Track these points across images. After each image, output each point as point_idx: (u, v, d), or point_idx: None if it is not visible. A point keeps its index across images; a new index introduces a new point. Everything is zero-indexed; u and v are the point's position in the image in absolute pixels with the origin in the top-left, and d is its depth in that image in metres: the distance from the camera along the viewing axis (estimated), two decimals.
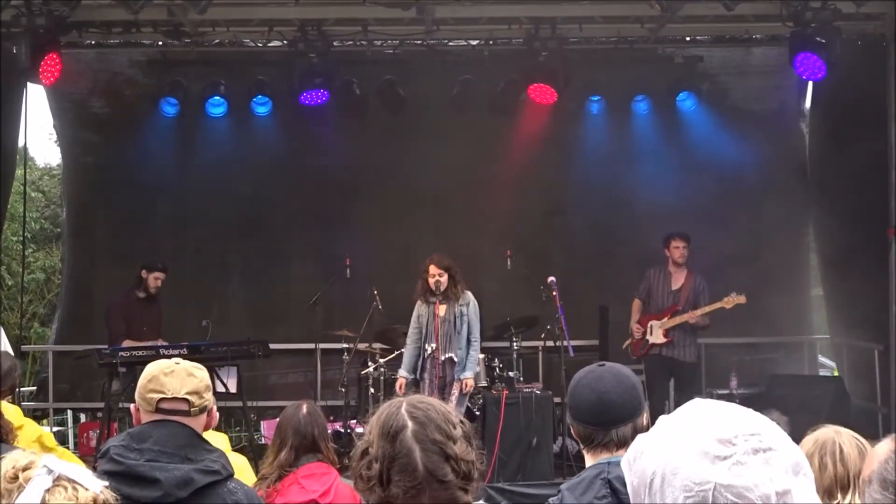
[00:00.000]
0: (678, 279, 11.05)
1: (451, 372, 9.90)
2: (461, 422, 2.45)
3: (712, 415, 1.82)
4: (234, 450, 6.88)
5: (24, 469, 2.33)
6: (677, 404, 11.42)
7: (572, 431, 3.53)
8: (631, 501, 1.87)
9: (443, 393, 9.83)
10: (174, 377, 3.66)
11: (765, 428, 1.78)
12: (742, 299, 10.65)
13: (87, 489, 2.29)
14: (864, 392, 11.88)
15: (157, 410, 3.63)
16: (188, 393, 3.65)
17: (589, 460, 3.44)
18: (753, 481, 1.69)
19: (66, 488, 2.28)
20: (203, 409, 3.70)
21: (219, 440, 5.91)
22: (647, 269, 11.29)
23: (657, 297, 11.14)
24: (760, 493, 1.69)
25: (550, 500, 3.35)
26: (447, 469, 2.34)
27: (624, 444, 3.38)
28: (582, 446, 3.49)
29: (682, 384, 11.17)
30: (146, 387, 3.67)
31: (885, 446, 2.59)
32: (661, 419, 1.88)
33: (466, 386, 9.87)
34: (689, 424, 1.82)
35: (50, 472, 2.30)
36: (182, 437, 3.59)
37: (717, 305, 10.76)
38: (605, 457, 3.38)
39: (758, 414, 1.82)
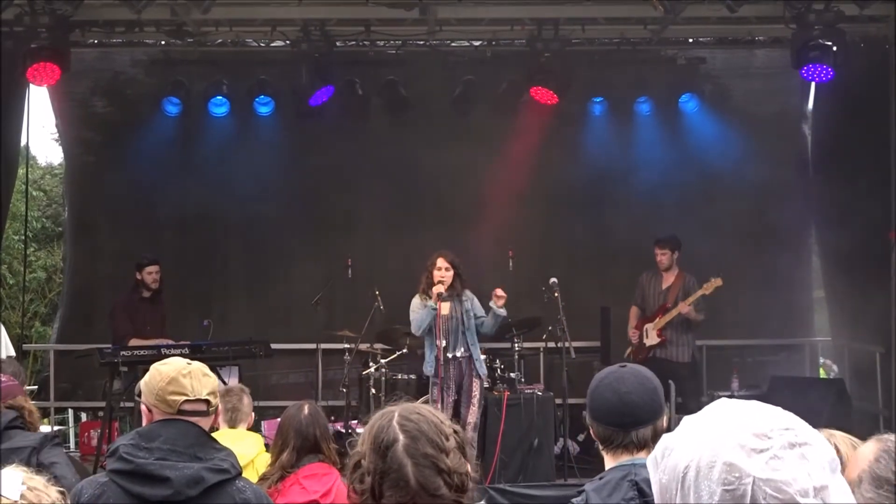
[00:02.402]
0: (668, 279, 11.18)
1: (460, 370, 9.85)
2: (455, 432, 2.43)
3: (743, 410, 1.80)
4: None
5: None
6: (678, 406, 11.46)
7: (591, 432, 3.50)
8: (657, 500, 1.84)
9: (459, 392, 9.80)
10: (193, 378, 3.69)
11: (797, 423, 1.76)
12: (719, 281, 10.67)
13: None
14: (866, 395, 11.87)
15: (179, 412, 3.64)
16: (209, 394, 3.69)
17: (609, 462, 3.42)
18: (792, 475, 1.68)
19: None
20: (216, 409, 3.76)
21: (253, 441, 5.93)
22: (640, 274, 11.35)
23: (649, 300, 11.27)
24: (799, 488, 1.67)
25: (574, 500, 3.34)
26: (440, 482, 2.33)
27: (644, 445, 3.36)
28: (601, 447, 3.47)
29: (679, 385, 11.11)
30: (166, 389, 3.66)
31: (870, 446, 2.61)
32: (686, 418, 1.86)
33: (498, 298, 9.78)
34: (720, 420, 1.79)
35: None
36: (191, 435, 3.59)
37: (699, 293, 10.80)
38: (625, 458, 3.36)
39: (786, 411, 1.80)
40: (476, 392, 9.83)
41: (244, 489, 3.59)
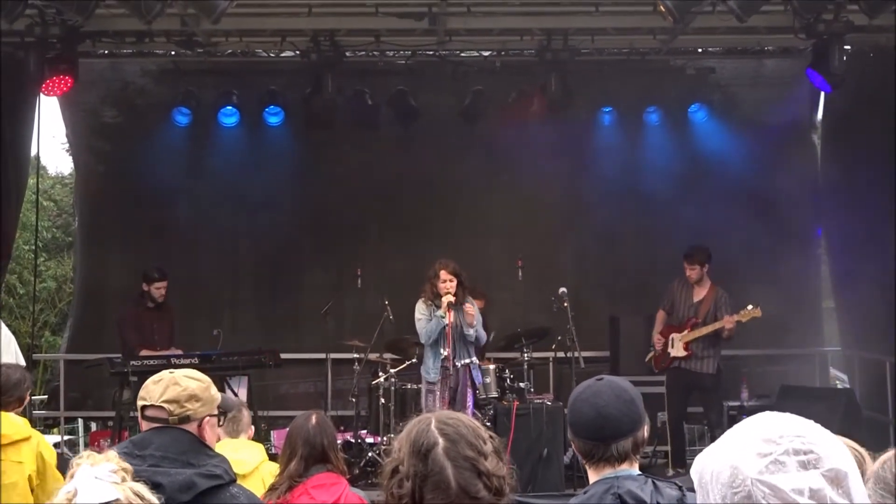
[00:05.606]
0: (700, 292, 10.90)
1: (464, 377, 9.87)
2: (490, 437, 2.46)
3: (769, 420, 1.89)
4: None
5: None
6: (700, 416, 11.38)
7: (573, 447, 3.52)
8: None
9: (454, 400, 9.80)
10: (159, 385, 3.73)
11: (811, 432, 1.83)
12: (758, 312, 10.48)
13: None
14: (876, 404, 11.83)
15: (144, 417, 3.72)
16: (165, 401, 3.68)
17: (592, 475, 3.43)
18: (788, 478, 1.75)
19: None
20: (185, 419, 3.72)
21: (256, 449, 5.95)
22: (671, 280, 11.16)
23: (679, 309, 11.00)
24: (794, 488, 1.75)
25: None
26: (479, 485, 2.35)
27: (626, 457, 3.37)
28: (583, 462, 3.48)
29: (703, 395, 11.02)
30: (140, 395, 3.77)
31: (889, 453, 2.69)
32: (730, 430, 1.97)
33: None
34: (745, 429, 1.89)
35: None
36: (184, 442, 3.63)
37: (734, 318, 10.56)
38: (608, 471, 3.37)
39: (813, 423, 1.87)
40: (469, 401, 9.86)
41: (238, 495, 3.61)
